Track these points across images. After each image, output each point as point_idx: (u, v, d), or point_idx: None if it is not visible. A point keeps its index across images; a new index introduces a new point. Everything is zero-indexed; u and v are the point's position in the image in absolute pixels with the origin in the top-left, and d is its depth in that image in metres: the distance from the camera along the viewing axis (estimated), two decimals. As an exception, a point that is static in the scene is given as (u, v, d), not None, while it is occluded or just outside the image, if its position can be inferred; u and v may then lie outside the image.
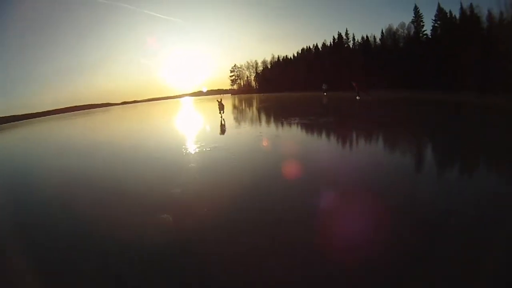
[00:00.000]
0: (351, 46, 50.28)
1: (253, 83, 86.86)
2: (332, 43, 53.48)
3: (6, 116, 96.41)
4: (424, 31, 39.25)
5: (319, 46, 58.24)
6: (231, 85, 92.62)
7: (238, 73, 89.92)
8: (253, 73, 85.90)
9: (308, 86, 52.26)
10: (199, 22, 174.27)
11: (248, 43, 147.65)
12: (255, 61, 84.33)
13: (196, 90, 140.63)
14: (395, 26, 44.40)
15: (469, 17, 34.94)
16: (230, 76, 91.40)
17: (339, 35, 51.27)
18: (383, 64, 42.56)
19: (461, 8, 35.41)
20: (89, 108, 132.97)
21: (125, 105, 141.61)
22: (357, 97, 26.90)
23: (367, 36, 48.08)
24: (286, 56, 71.70)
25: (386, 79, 40.98)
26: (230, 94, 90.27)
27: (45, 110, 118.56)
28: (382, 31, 46.23)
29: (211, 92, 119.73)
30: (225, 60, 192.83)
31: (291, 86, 61.35)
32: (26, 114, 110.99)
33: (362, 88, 28.94)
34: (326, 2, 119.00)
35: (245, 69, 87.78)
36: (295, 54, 67.44)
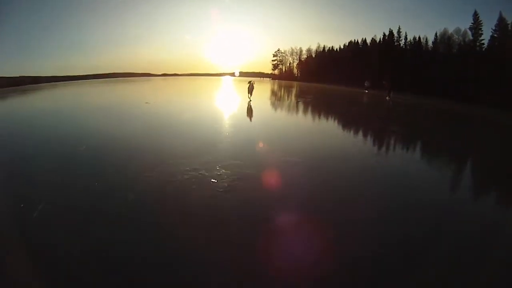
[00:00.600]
0: (401, 45, 49.47)
1: (295, 70, 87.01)
2: (381, 39, 52.77)
3: (48, 76, 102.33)
4: (481, 40, 37.99)
5: (368, 41, 57.66)
6: (273, 69, 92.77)
7: (280, 58, 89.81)
8: (296, 60, 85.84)
9: (352, 81, 52.12)
10: (246, 3, 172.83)
11: (294, 30, 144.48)
12: (300, 48, 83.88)
13: (238, 70, 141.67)
14: (450, 31, 43.26)
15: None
16: (272, 61, 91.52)
17: (390, 32, 50.39)
18: (433, 69, 41.74)
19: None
20: (130, 76, 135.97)
21: (165, 77, 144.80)
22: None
23: (419, 37, 47.08)
24: (332, 47, 71.28)
25: (435, 86, 40.22)
26: (270, 79, 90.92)
27: (87, 73, 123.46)
28: (436, 34, 45.03)
29: (252, 74, 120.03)
30: (269, 44, 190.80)
31: (334, 78, 61.36)
32: (68, 75, 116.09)
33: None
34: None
35: (289, 55, 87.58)
36: (342, 46, 67.11)
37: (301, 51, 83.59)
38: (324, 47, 74.26)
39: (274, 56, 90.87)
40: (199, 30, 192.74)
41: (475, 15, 38.19)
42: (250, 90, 19.30)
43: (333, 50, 70.22)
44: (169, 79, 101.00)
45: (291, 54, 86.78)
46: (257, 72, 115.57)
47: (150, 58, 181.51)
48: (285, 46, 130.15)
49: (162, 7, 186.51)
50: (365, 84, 40.01)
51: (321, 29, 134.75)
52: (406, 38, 49.02)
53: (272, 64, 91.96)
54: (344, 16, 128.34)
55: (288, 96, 33.49)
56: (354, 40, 61.95)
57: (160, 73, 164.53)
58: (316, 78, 67.82)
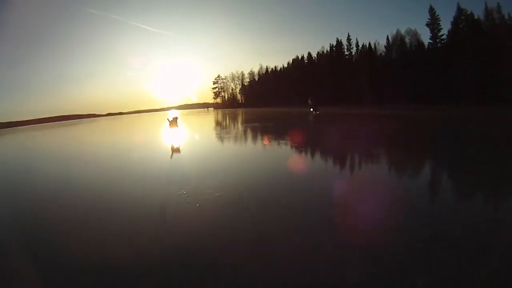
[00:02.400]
0: (353, 53, 44.02)
1: (239, 96, 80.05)
2: (328, 51, 47.22)
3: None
4: (441, 35, 33.15)
5: (313, 55, 52.05)
6: (214, 98, 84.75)
7: (222, 85, 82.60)
8: (239, 85, 79.20)
9: (300, 100, 45.50)
10: (188, 35, 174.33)
11: (237, 57, 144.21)
12: (241, 72, 77.73)
13: (183, 103, 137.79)
14: (402, 32, 38.60)
15: (498, 19, 29.34)
16: (212, 88, 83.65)
17: (338, 42, 45.09)
18: (388, 76, 36.49)
19: (486, 8, 29.68)
20: (77, 118, 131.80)
21: (110, 116, 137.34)
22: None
23: (369, 44, 41.97)
24: (276, 67, 65.65)
25: (393, 92, 34.98)
26: (207, 108, 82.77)
27: (29, 118, 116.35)
28: (387, 37, 40.09)
29: (197, 106, 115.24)
30: (214, 74, 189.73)
31: (281, 100, 54.76)
32: (9, 122, 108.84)
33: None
34: (324, 7, 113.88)
35: (230, 80, 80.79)
36: (285, 65, 61.43)
37: (243, 75, 76.84)
38: (267, 68, 68.48)
39: (214, 83, 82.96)
40: (142, 65, 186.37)
41: (431, 10, 33.62)
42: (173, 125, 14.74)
43: (277, 70, 64.48)
44: (114, 119, 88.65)
45: (233, 79, 79.57)
46: (202, 103, 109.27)
47: (95, 99, 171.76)
48: (226, 72, 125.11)
49: (104, 44, 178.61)
50: (309, 103, 31.75)
51: (265, 52, 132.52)
52: (358, 45, 43.72)
53: (213, 92, 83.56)
54: (291, 35, 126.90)
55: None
56: (299, 56, 56.33)
57: (105, 113, 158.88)
58: (262, 102, 60.55)
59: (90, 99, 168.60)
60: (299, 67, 53.80)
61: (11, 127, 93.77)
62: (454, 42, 30.95)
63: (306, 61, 53.22)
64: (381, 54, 40.94)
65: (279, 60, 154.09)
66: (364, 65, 39.71)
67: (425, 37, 35.48)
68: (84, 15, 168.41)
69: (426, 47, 35.20)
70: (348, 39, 44.16)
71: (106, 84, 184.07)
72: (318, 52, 50.68)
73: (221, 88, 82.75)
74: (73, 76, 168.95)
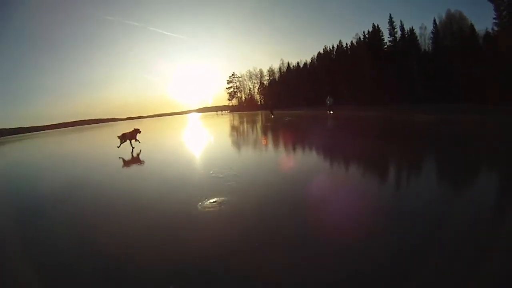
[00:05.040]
0: (397, 39, 37.53)
1: (257, 96, 75.29)
2: (363, 38, 41.65)
3: (11, 128, 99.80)
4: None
5: (344, 44, 46.72)
6: (229, 99, 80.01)
7: (237, 84, 77.99)
8: (257, 84, 74.47)
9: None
10: (204, 37, 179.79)
11: (256, 57, 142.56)
12: (260, 69, 72.97)
13: (202, 106, 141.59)
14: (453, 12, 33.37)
15: None
16: (227, 88, 78.83)
17: (374, 28, 39.48)
18: (438, 69, 31.34)
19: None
20: (97, 123, 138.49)
21: (130, 120, 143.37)
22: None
23: (411, 29, 36.46)
24: (298, 63, 60.82)
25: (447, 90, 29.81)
26: (226, 111, 77.81)
27: (52, 123, 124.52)
28: (434, 20, 34.77)
29: (214, 109, 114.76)
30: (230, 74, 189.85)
31: (305, 100, 50.10)
32: (32, 126, 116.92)
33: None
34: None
35: (247, 79, 76.11)
36: (310, 61, 56.47)
37: (261, 73, 72.15)
38: (288, 64, 63.65)
39: (228, 82, 78.13)
40: (159, 69, 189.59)
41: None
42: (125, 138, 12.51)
43: (299, 67, 59.58)
44: (131, 122, 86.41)
45: (250, 78, 74.77)
46: (222, 106, 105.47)
47: (114, 103, 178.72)
48: (243, 70, 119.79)
49: (123, 49, 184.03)
50: (327, 102, 27.06)
51: (286, 52, 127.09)
52: (403, 29, 37.10)
53: (228, 93, 78.79)
54: (315, 27, 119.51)
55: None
56: (327, 47, 50.88)
57: (125, 117, 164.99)
58: (283, 103, 55.15)
59: (111, 103, 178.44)
60: (325, 61, 48.79)
61: (33, 131, 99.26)
62: None
63: (334, 53, 48.12)
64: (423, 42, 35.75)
65: (304, 56, 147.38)
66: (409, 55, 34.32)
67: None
68: (103, 22, 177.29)
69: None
70: (391, 22, 37.66)
71: (126, 88, 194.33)
72: (351, 43, 45.48)
73: (236, 88, 78.31)
74: (94, 82, 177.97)
